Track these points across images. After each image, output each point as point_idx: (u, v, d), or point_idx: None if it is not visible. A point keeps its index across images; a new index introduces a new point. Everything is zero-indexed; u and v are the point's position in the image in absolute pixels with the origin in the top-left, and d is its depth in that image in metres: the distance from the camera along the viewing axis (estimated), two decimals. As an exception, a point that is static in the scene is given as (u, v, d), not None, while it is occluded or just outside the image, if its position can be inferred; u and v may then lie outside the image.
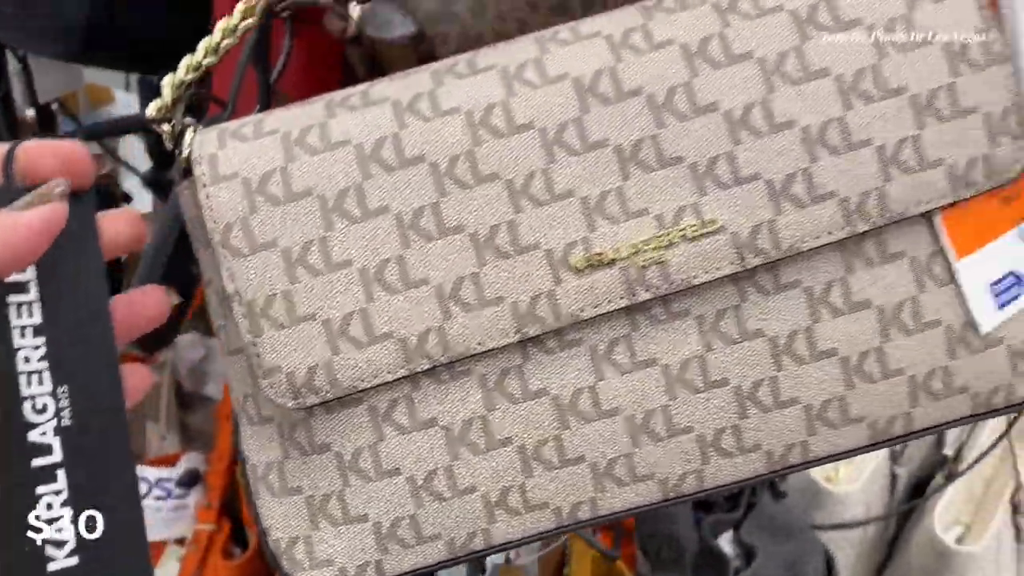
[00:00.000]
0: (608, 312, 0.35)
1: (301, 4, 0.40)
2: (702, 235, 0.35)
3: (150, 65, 0.58)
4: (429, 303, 0.34)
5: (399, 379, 0.35)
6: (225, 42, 0.39)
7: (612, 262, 0.34)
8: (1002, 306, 0.36)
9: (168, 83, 0.37)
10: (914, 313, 0.36)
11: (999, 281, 0.36)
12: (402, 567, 0.36)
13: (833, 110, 0.34)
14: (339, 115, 0.35)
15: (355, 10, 0.39)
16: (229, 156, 0.35)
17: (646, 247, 0.34)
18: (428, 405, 0.36)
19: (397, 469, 0.36)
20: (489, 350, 0.35)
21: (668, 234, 0.34)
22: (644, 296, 0.35)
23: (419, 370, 0.35)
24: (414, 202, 0.34)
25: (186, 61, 0.38)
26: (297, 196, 0.34)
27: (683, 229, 0.34)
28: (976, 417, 0.38)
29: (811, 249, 0.35)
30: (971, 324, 0.36)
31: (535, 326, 0.35)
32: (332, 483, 0.36)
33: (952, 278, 0.36)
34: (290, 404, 0.35)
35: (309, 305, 0.34)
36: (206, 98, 0.42)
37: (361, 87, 0.36)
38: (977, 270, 0.36)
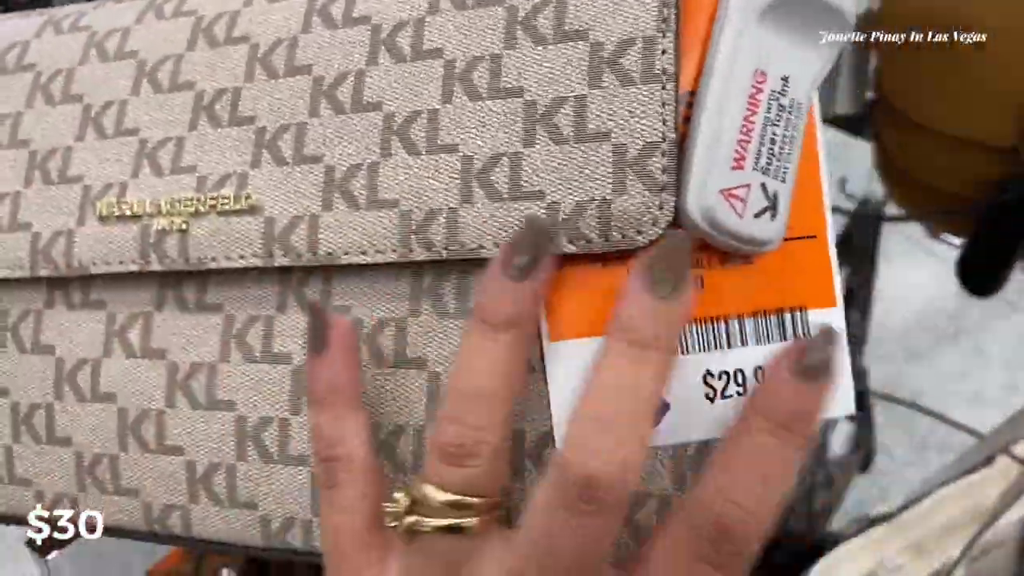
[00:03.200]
0: (137, 279, 0.30)
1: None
2: (233, 211, 0.28)
3: None
4: None
5: None
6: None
7: (136, 217, 0.29)
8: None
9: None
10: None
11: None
12: None
13: (427, 99, 0.26)
14: None
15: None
16: None
17: (172, 210, 0.29)
18: None
19: None
20: (13, 282, 0.31)
21: (200, 200, 0.28)
22: (156, 266, 0.29)
23: None
24: None
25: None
26: None
27: (216, 199, 0.28)
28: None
29: (361, 267, 0.27)
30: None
31: (47, 267, 0.30)
32: None
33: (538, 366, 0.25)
34: None
35: None
36: None
37: None
38: (566, 364, 0.25)
